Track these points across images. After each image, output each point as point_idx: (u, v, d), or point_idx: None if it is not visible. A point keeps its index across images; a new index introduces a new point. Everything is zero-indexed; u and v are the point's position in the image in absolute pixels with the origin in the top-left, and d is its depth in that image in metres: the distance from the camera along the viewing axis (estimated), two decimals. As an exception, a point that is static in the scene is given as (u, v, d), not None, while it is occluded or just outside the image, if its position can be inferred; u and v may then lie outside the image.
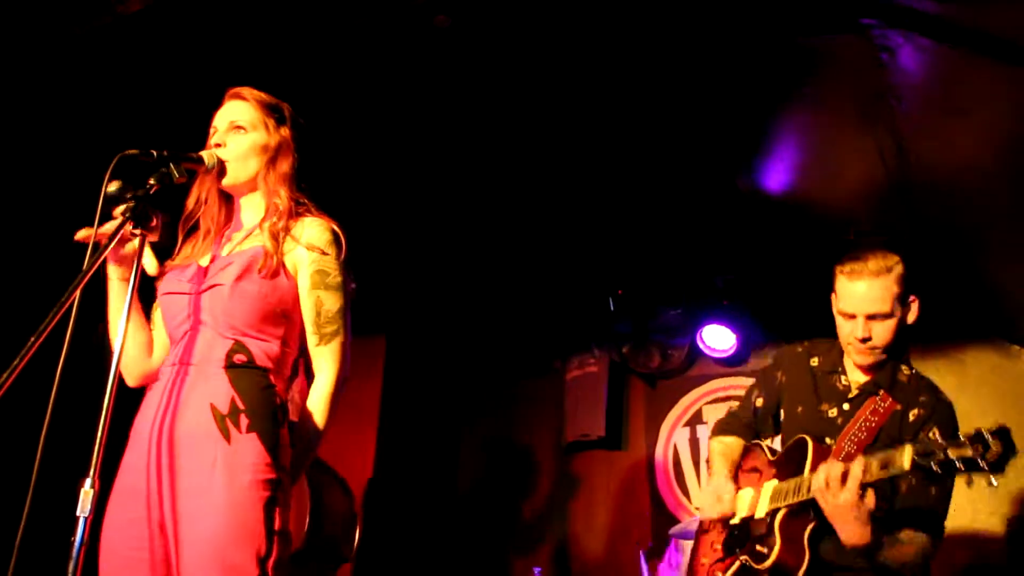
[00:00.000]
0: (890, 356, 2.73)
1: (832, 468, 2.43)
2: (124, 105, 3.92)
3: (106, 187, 2.06)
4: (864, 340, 2.67)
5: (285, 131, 2.40)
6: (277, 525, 2.09)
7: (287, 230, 2.30)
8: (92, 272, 1.92)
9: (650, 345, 6.39)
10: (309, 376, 3.94)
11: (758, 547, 2.65)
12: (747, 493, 2.81)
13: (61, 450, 1.96)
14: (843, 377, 2.83)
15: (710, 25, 3.67)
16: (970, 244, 4.31)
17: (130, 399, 2.25)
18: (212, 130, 2.39)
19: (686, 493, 6.17)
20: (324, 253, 2.30)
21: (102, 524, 2.14)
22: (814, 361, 2.93)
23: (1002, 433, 2.19)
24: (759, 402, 3.10)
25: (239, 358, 2.19)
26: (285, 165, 2.38)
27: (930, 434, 2.34)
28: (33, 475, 1.79)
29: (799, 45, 3.63)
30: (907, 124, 3.78)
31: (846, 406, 2.77)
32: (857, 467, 2.40)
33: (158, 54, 3.74)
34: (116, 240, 2.05)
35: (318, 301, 2.28)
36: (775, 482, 2.75)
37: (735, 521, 2.82)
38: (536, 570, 4.73)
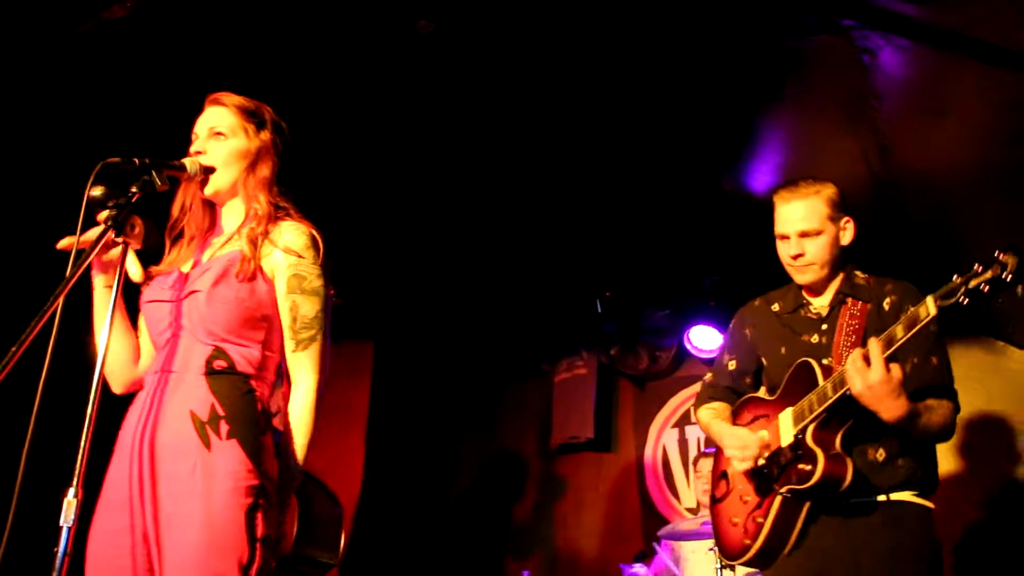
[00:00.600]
0: (832, 273, 2.83)
1: (854, 353, 2.47)
2: (107, 111, 3.90)
3: (89, 192, 2.05)
4: (796, 257, 2.79)
5: (265, 135, 2.38)
6: (260, 532, 2.06)
7: (265, 234, 2.28)
8: (74, 280, 1.91)
9: (638, 347, 6.40)
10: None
11: (800, 466, 2.61)
12: (763, 434, 2.80)
13: (45, 459, 1.95)
14: (810, 307, 2.89)
15: (694, 28, 3.68)
16: (955, 241, 4.33)
17: (115, 408, 2.24)
18: (193, 137, 2.38)
19: (675, 494, 6.18)
20: (300, 257, 2.26)
21: (88, 534, 2.12)
22: (775, 307, 3.00)
23: (1012, 248, 2.25)
24: (732, 364, 3.11)
25: (219, 364, 2.17)
26: (265, 169, 2.36)
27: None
28: (16, 484, 1.78)
29: (781, 47, 3.65)
30: (889, 124, 3.80)
31: (824, 326, 2.83)
32: (874, 344, 2.43)
33: (141, 60, 3.73)
34: (99, 247, 2.04)
35: (294, 306, 2.25)
36: (790, 408, 2.75)
37: (761, 462, 2.78)
38: (525, 573, 4.72)
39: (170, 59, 3.72)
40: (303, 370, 2.25)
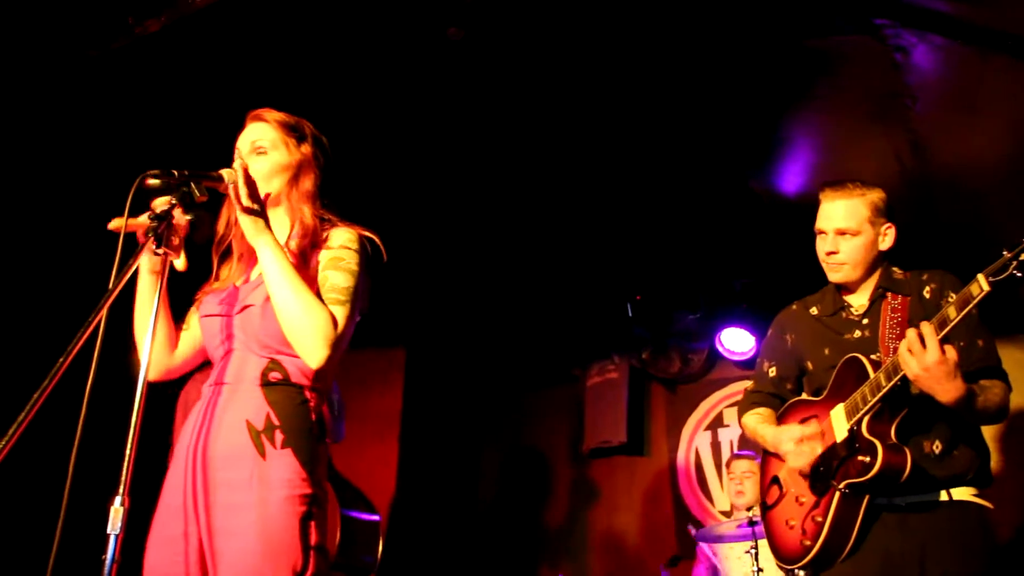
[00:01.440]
0: (865, 276, 2.84)
1: (909, 335, 2.46)
2: (144, 127, 3.96)
3: (146, 181, 2.07)
4: (830, 253, 2.81)
5: (306, 148, 2.41)
6: (314, 540, 2.09)
7: (315, 246, 2.32)
8: (118, 291, 1.94)
9: (669, 350, 6.39)
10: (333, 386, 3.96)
11: (859, 458, 2.60)
12: (812, 430, 2.80)
13: (93, 467, 1.98)
14: (850, 309, 2.89)
15: (724, 30, 3.68)
16: (990, 241, 4.28)
17: (161, 416, 2.27)
18: (236, 152, 2.41)
19: (709, 497, 6.15)
20: (344, 247, 2.30)
21: (146, 541, 2.17)
22: (813, 311, 3.00)
23: None
24: (772, 372, 3.10)
25: (274, 376, 2.21)
26: (307, 183, 2.39)
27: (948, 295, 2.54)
28: (65, 492, 1.81)
29: (812, 47, 3.63)
30: (923, 123, 3.77)
31: (866, 321, 2.84)
32: (927, 326, 2.43)
33: (177, 75, 3.78)
34: (138, 259, 2.06)
35: (324, 278, 2.25)
36: (841, 404, 2.74)
37: (816, 459, 2.78)
38: (560, 577, 4.72)
39: (205, 73, 3.76)
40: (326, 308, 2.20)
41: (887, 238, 2.82)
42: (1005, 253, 2.33)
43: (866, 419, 2.63)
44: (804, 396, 2.99)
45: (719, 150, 4.57)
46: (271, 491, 2.07)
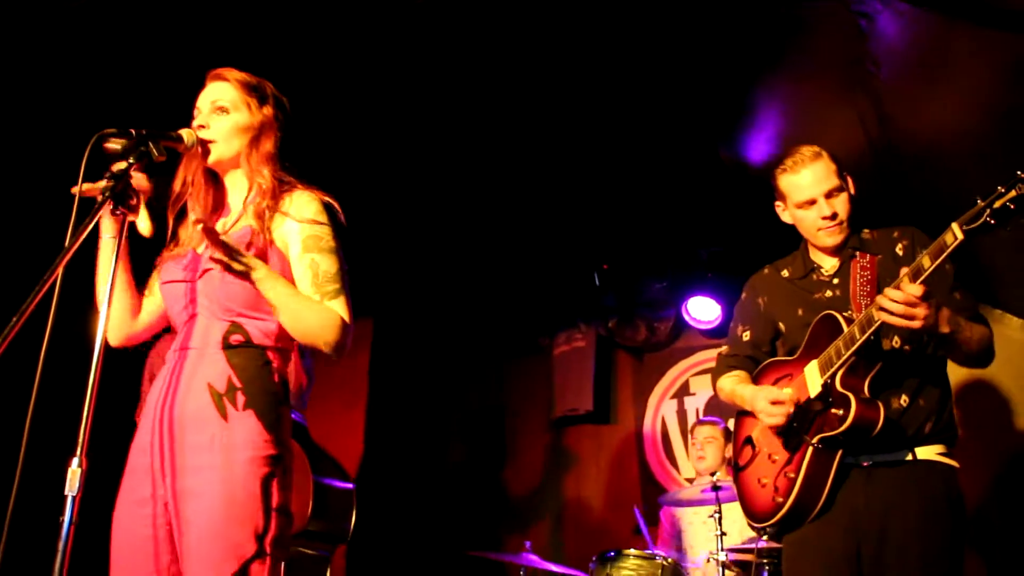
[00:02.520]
0: (852, 230, 2.87)
1: (891, 294, 2.45)
2: (103, 86, 3.89)
3: (108, 145, 2.05)
4: (833, 216, 2.82)
5: (267, 110, 2.39)
6: (276, 502, 2.09)
7: (273, 208, 2.29)
8: (74, 249, 1.91)
9: (636, 318, 6.42)
10: (304, 353, 3.93)
11: (832, 412, 2.63)
12: (790, 391, 2.80)
13: (50, 429, 1.96)
14: (820, 270, 2.93)
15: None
16: (953, 210, 4.32)
17: (120, 378, 2.25)
18: (195, 111, 2.38)
19: (675, 464, 6.21)
20: (315, 221, 2.28)
21: (115, 502, 2.17)
22: (784, 273, 3.03)
23: None
24: (746, 336, 3.11)
25: (236, 338, 2.20)
26: (268, 144, 2.36)
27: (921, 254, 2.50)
28: (20, 454, 1.79)
29: (778, 13, 3.63)
30: (887, 91, 3.79)
31: (836, 281, 2.88)
32: (907, 284, 2.43)
33: (135, 33, 3.71)
34: (96, 218, 2.03)
35: (313, 263, 2.24)
36: (814, 360, 2.77)
37: (784, 417, 2.79)
38: (527, 544, 4.75)
39: (165, 34, 3.69)
40: (331, 310, 2.22)
41: (851, 185, 2.87)
42: (979, 201, 2.33)
43: (840, 373, 2.66)
44: (778, 357, 3.02)
45: (686, 117, 4.57)
46: (234, 453, 2.08)
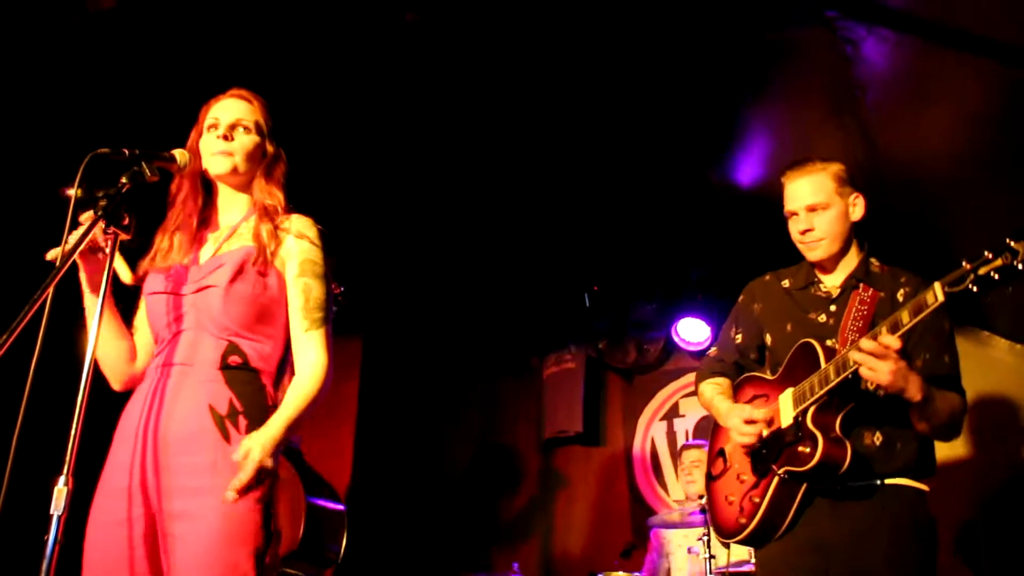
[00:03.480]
0: (844, 249, 2.82)
1: (864, 345, 2.43)
2: (96, 104, 3.89)
3: (69, 191, 2.05)
4: (805, 232, 2.79)
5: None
6: (274, 524, 2.11)
7: (271, 228, 2.31)
8: (64, 269, 1.92)
9: (626, 340, 6.43)
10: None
11: (799, 449, 2.59)
12: (764, 413, 2.79)
13: (36, 448, 1.95)
14: (820, 286, 2.88)
15: (678, 21, 3.70)
16: (941, 231, 4.36)
17: (109, 399, 2.25)
18: (211, 121, 2.37)
19: (664, 486, 6.21)
20: (313, 244, 2.33)
21: (87, 522, 2.14)
22: (785, 283, 2.98)
23: (1021, 233, 2.22)
24: (739, 338, 3.07)
25: (234, 359, 2.20)
26: (278, 172, 2.41)
27: None
28: (6, 473, 1.79)
29: (765, 39, 3.67)
30: (874, 115, 3.82)
31: (833, 307, 2.81)
32: (883, 336, 2.41)
33: (130, 52, 3.72)
34: (88, 239, 2.04)
35: (307, 287, 2.28)
36: (791, 389, 2.73)
37: (761, 441, 2.78)
38: (515, 565, 4.74)
39: (159, 51, 3.71)
40: (315, 348, 2.26)
41: (857, 208, 2.81)
42: (964, 264, 2.29)
43: (812, 409, 2.63)
44: (760, 372, 2.99)
45: (676, 141, 4.60)
46: (234, 475, 2.06)
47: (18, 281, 2.57)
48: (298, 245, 2.30)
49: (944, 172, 3.97)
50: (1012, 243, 2.21)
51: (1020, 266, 2.19)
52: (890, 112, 3.80)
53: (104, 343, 2.30)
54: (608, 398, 6.66)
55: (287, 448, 2.30)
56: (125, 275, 2.30)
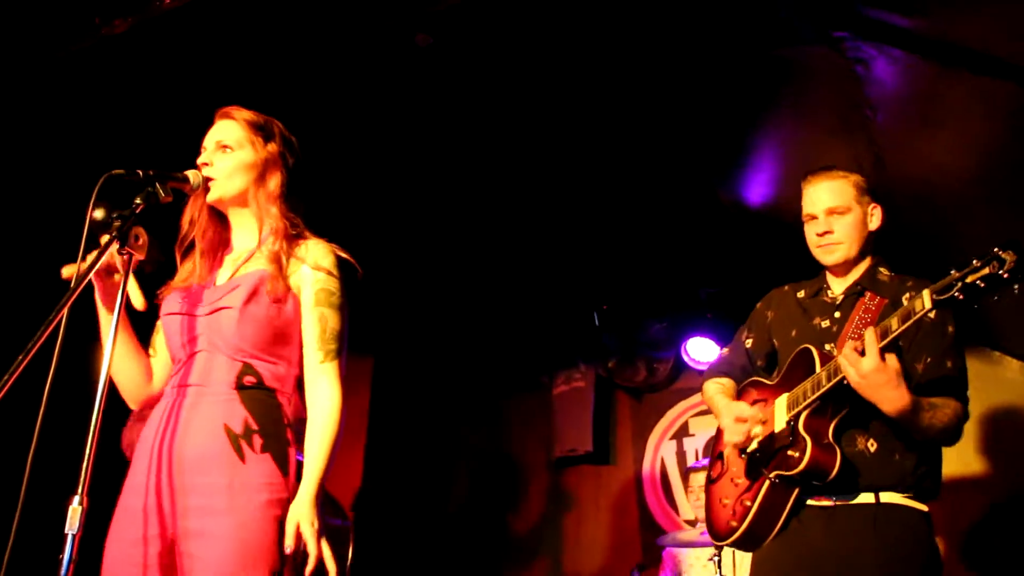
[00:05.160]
0: (859, 257, 2.83)
1: (849, 343, 2.46)
2: (110, 127, 3.93)
3: (91, 213, 2.07)
4: (824, 234, 2.80)
5: (273, 147, 2.40)
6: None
7: (289, 253, 2.31)
8: (79, 290, 1.94)
9: (636, 359, 6.41)
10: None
11: (789, 453, 2.59)
12: (759, 413, 2.80)
13: (51, 467, 1.96)
14: (828, 292, 2.89)
15: (688, 40, 3.72)
16: (951, 252, 4.35)
17: (121, 417, 2.26)
18: (202, 150, 2.40)
19: (674, 506, 6.18)
20: (330, 274, 2.31)
21: (105, 542, 2.15)
22: (800, 293, 3.00)
23: (1012, 244, 2.22)
24: (749, 343, 3.09)
25: (249, 380, 2.21)
26: (273, 182, 2.38)
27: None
28: (21, 492, 1.80)
29: (776, 58, 3.68)
30: (883, 135, 3.83)
31: (837, 313, 2.82)
32: (869, 333, 2.42)
33: (143, 76, 3.76)
34: (104, 259, 2.06)
35: (323, 317, 2.27)
36: (786, 394, 2.74)
37: (753, 447, 2.77)
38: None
39: (172, 74, 3.74)
40: (329, 381, 2.25)
41: (875, 217, 2.83)
42: (953, 272, 2.31)
43: (804, 414, 2.62)
44: (762, 377, 2.98)
45: (686, 159, 4.61)
46: (251, 495, 2.08)
47: (34, 301, 2.58)
48: (314, 275, 2.30)
49: (953, 192, 3.97)
50: (1000, 252, 2.22)
51: (1006, 275, 2.20)
52: (901, 132, 3.80)
53: (120, 363, 2.32)
54: (618, 417, 6.64)
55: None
56: (137, 301, 2.29)
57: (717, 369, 3.18)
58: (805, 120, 4.13)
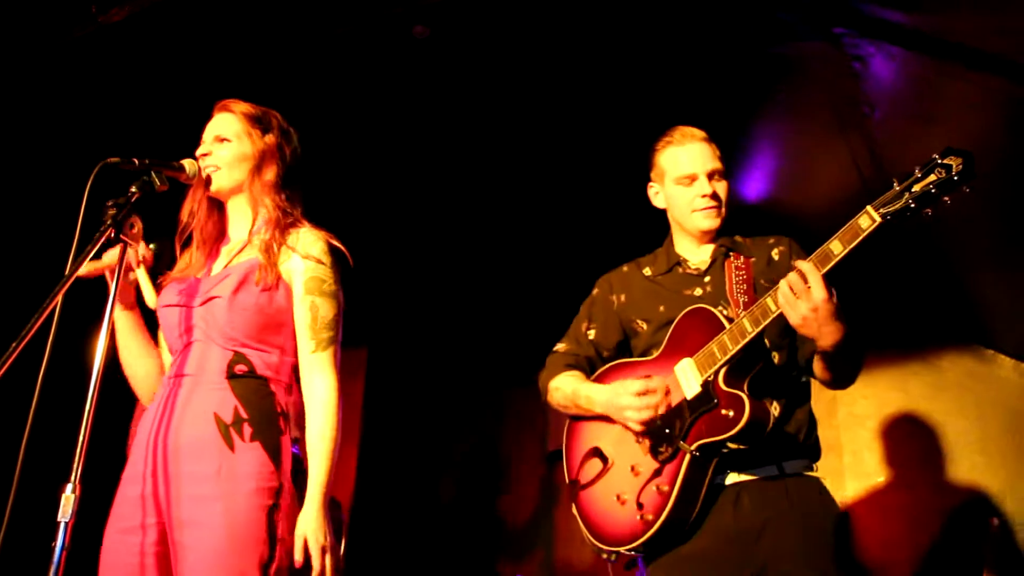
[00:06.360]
0: (720, 231, 2.70)
1: (790, 276, 2.26)
2: (106, 116, 3.92)
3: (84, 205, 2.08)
4: (714, 196, 2.65)
5: (270, 138, 2.42)
6: (280, 532, 2.11)
7: (280, 242, 2.31)
8: (74, 277, 1.94)
9: (631, 352, 6.40)
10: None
11: (721, 412, 2.34)
12: (657, 381, 2.51)
13: (45, 455, 1.97)
14: (687, 264, 2.72)
15: (684, 36, 3.72)
16: (945, 251, 4.36)
17: (116, 405, 2.26)
18: (201, 142, 2.42)
19: (668, 500, 6.19)
20: (319, 262, 2.31)
21: (104, 530, 2.17)
22: (647, 271, 2.81)
23: (951, 151, 2.15)
24: (592, 333, 2.84)
25: (240, 368, 2.22)
26: (270, 173, 2.40)
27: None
28: (15, 480, 1.80)
29: (773, 55, 3.68)
30: (880, 131, 3.83)
31: (707, 278, 2.65)
32: (807, 264, 2.24)
33: (140, 64, 3.75)
34: (99, 244, 2.06)
35: (313, 306, 2.27)
36: (688, 358, 2.48)
37: (657, 424, 2.46)
38: (519, 577, 4.73)
39: (168, 63, 3.74)
40: (323, 370, 2.25)
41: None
42: (895, 185, 2.22)
43: (722, 371, 2.39)
44: (624, 359, 2.73)
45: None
46: (239, 483, 2.09)
47: (29, 288, 2.59)
48: (303, 264, 2.30)
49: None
50: (942, 160, 2.17)
51: (956, 177, 2.14)
52: (898, 128, 3.81)
53: (136, 362, 2.36)
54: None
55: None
56: (150, 298, 2.32)
57: (561, 363, 2.85)
58: (802, 117, 4.13)
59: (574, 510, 2.68)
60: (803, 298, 2.22)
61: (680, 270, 2.73)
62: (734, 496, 2.42)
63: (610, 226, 5.34)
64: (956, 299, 4.78)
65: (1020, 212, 3.80)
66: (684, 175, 2.69)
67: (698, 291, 2.64)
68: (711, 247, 2.71)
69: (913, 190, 2.18)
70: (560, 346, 2.92)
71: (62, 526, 1.77)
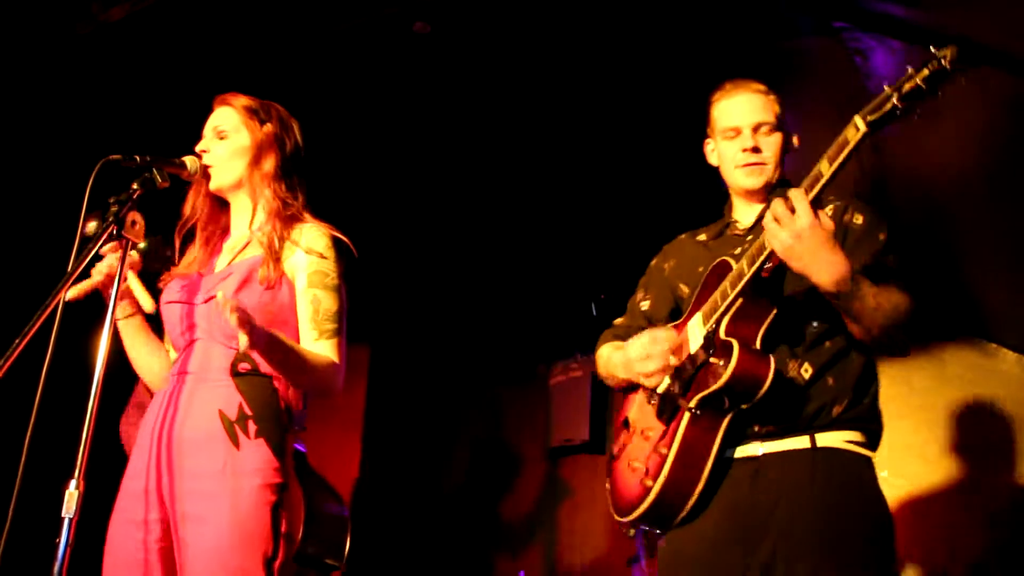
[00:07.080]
0: (775, 182, 2.44)
1: (774, 206, 2.04)
2: (107, 113, 3.92)
3: (83, 230, 2.08)
4: (755, 151, 2.40)
5: (268, 128, 2.40)
6: (284, 528, 2.12)
7: (283, 236, 2.31)
8: (76, 273, 1.94)
9: (633, 349, 6.40)
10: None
11: (712, 362, 2.13)
12: (666, 333, 2.36)
13: (49, 451, 1.97)
14: (735, 225, 2.51)
15: (686, 31, 3.71)
16: (948, 245, 4.36)
17: (119, 402, 2.27)
18: (201, 137, 2.41)
19: (670, 496, 6.18)
20: (323, 257, 2.30)
21: (108, 525, 2.18)
22: (701, 236, 2.62)
23: (945, 43, 1.98)
24: (646, 304, 2.68)
25: (244, 366, 2.22)
26: (269, 163, 2.38)
27: (848, 213, 2.23)
28: (18, 476, 1.80)
29: (775, 48, 3.68)
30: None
31: (750, 237, 2.40)
32: (795, 191, 2.03)
33: (140, 62, 3.75)
34: (101, 241, 2.06)
35: (315, 299, 2.26)
36: (698, 312, 2.31)
37: (665, 384, 2.30)
38: (521, 573, 4.74)
39: (168, 61, 3.74)
40: (327, 356, 2.23)
41: (794, 142, 2.51)
42: (886, 88, 2.01)
43: (726, 319, 2.18)
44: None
45: (683, 150, 4.60)
46: (244, 480, 2.09)
47: (31, 285, 2.59)
48: (306, 259, 2.29)
49: (952, 182, 3.97)
50: (936, 51, 1.95)
51: (949, 65, 1.93)
52: (899, 124, 3.80)
53: (143, 363, 2.38)
54: (614, 407, 6.64)
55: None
56: (146, 303, 2.32)
57: (611, 335, 2.71)
58: (803, 111, 4.12)
59: (607, 486, 2.53)
60: (786, 224, 2.01)
61: (728, 232, 2.53)
62: (753, 470, 2.19)
63: (611, 226, 5.34)
64: (957, 293, 4.78)
65: (1021, 208, 3.80)
66: (729, 127, 2.47)
67: (738, 250, 2.34)
68: (761, 207, 2.44)
69: (903, 90, 1.98)
70: (618, 320, 2.78)
71: (66, 522, 1.78)
